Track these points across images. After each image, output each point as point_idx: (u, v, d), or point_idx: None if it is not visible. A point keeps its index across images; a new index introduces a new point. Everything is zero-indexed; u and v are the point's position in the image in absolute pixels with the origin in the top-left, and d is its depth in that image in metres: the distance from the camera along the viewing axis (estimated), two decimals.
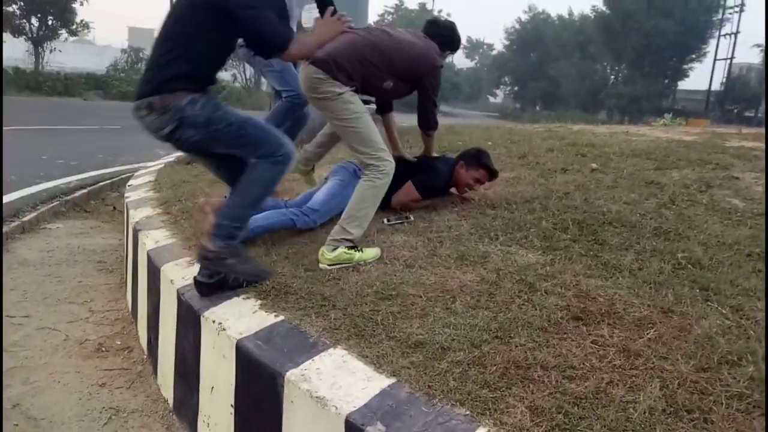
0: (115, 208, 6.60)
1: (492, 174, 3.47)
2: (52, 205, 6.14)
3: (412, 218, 3.18)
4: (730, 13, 39.48)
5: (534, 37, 42.67)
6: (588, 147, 4.88)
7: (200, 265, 2.53)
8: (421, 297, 2.35)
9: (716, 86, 41.15)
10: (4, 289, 3.96)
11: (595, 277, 2.46)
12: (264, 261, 2.81)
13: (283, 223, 3.03)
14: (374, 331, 2.11)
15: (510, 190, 3.64)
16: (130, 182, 4.99)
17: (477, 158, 3.44)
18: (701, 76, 43.60)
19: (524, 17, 48.84)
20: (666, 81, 42.36)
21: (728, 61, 39.24)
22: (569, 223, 3.02)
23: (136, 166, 9.22)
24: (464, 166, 3.42)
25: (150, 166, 6.00)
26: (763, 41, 38.54)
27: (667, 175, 3.91)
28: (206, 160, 2.75)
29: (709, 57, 40.78)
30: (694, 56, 41.23)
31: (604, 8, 41.18)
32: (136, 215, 3.82)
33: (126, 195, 4.47)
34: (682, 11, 37.64)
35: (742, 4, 38.55)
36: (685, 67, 42.00)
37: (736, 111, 40.86)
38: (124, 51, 35.42)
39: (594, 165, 4.10)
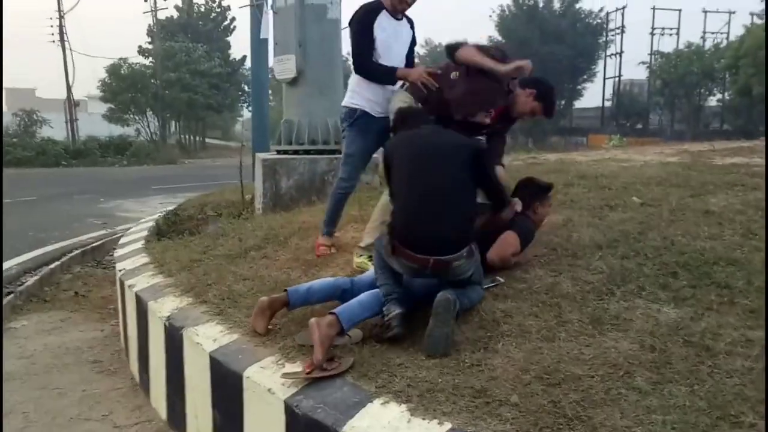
0: (77, 293, 5.91)
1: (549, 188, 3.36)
2: (7, 299, 5.37)
3: (502, 279, 2.90)
4: (613, 35, 42.40)
5: None
6: (603, 178, 4.79)
7: None
8: (592, 377, 2.06)
9: (605, 103, 43.94)
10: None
11: (757, 329, 2.28)
12: (367, 349, 2.44)
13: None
14: (574, 428, 1.81)
15: (575, 235, 3.43)
16: (120, 266, 4.39)
17: (543, 189, 3.27)
18: (591, 94, 46.37)
19: (422, 51, 50.28)
20: (563, 102, 44.63)
21: (617, 79, 42.03)
22: (675, 267, 2.84)
23: (76, 240, 8.44)
24: (539, 205, 3.21)
25: (127, 243, 5.37)
26: (646, 59, 41.57)
27: (710, 203, 3.85)
28: None
29: (600, 76, 43.55)
30: (585, 76, 43.80)
31: (499, 37, 43.05)
32: (161, 308, 3.30)
33: (128, 283, 3.91)
34: (571, 36, 40.00)
35: (623, 26, 41.52)
36: (579, 87, 44.53)
37: (628, 124, 43.55)
38: (15, 115, 33.28)
39: (636, 199, 4.00)
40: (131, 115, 37.98)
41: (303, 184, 5.57)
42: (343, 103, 3.64)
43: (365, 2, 3.55)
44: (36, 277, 6.20)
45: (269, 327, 2.76)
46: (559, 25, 40.18)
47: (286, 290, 2.80)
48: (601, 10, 42.56)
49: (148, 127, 38.40)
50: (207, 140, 48.06)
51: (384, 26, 3.50)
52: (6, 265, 6.62)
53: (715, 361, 2.08)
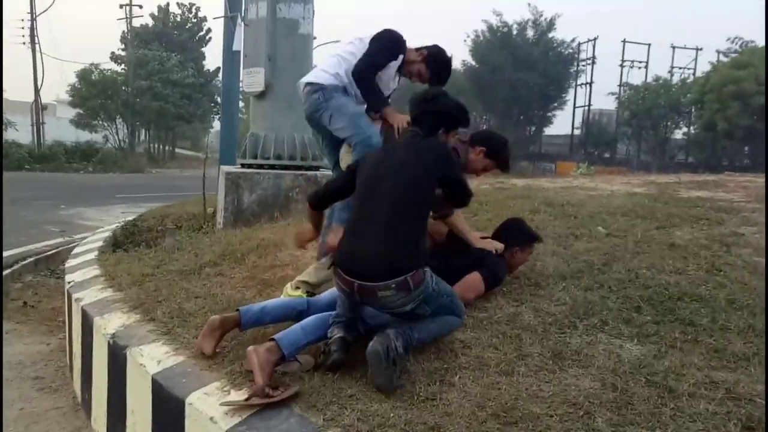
0: (25, 303, 5.65)
1: (538, 240, 3.26)
2: None
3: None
4: (584, 65, 43.21)
5: (405, 90, 43.92)
6: (569, 206, 4.76)
7: None
8: (551, 416, 1.97)
9: (574, 131, 44.67)
10: None
11: (721, 370, 2.22)
12: (318, 378, 2.31)
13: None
14: None
15: (539, 264, 3.38)
16: (70, 278, 4.19)
17: (530, 237, 3.18)
18: (560, 122, 47.15)
19: None
20: (533, 128, 45.24)
21: (587, 108, 42.80)
22: (638, 301, 2.79)
23: (31, 248, 8.11)
24: (519, 250, 3.12)
25: (80, 254, 5.15)
26: (615, 90, 42.47)
27: (675, 236, 3.84)
28: None
29: (569, 105, 44.30)
30: (556, 104, 44.49)
31: (473, 62, 43.51)
32: (106, 324, 3.13)
33: (75, 296, 3.72)
34: (543, 64, 40.63)
35: (594, 57, 42.35)
36: (549, 114, 45.18)
37: (596, 153, 44.26)
38: None
39: (601, 229, 3.97)
40: (100, 122, 37.35)
41: (266, 199, 5.43)
42: (325, 81, 3.27)
43: (399, 33, 3.35)
44: None
45: (217, 350, 2.62)
46: (532, 53, 40.77)
47: (238, 309, 2.66)
48: (573, 40, 43.38)
49: (117, 134, 37.79)
50: (177, 150, 47.47)
51: (390, 68, 3.37)
52: None
53: (678, 404, 2.00)
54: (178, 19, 44.63)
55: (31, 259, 7.19)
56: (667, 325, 2.59)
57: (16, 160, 27.13)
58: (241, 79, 7.43)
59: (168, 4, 44.49)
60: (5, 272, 6.43)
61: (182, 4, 44.42)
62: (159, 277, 3.79)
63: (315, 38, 6.13)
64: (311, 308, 2.70)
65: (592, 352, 2.38)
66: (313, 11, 5.89)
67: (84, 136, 35.95)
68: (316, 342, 2.47)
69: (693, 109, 39.77)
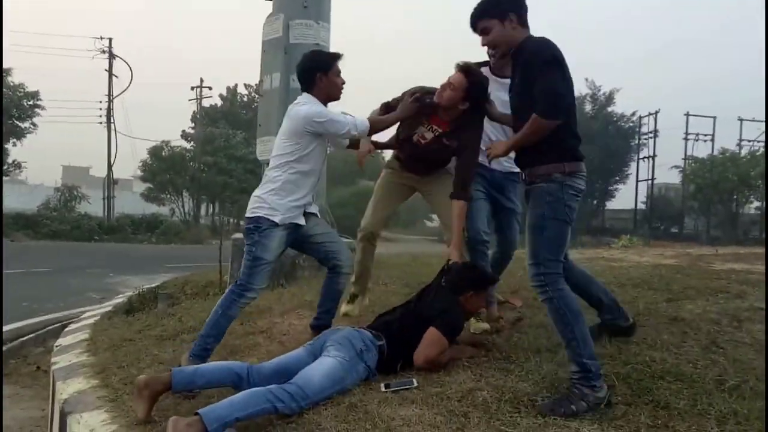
0: (38, 367, 5.68)
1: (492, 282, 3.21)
2: None
3: (416, 382, 2.58)
4: (645, 139, 42.35)
5: None
6: None
7: None
8: None
9: (639, 205, 43.36)
10: None
11: None
12: None
13: (264, 410, 2.34)
14: None
15: (521, 337, 3.12)
16: (59, 342, 4.19)
17: (484, 281, 3.08)
18: (624, 197, 45.90)
19: None
20: (595, 202, 44.18)
21: (650, 181, 41.66)
22: (614, 379, 2.49)
23: (65, 314, 8.28)
24: (474, 294, 2.95)
25: (82, 319, 5.19)
26: (680, 163, 41.35)
27: (684, 309, 3.50)
28: None
29: (632, 179, 43.27)
30: (617, 178, 43.54)
31: None
32: (64, 389, 3.05)
33: (53, 360, 3.69)
34: (603, 138, 40.06)
35: (656, 131, 41.51)
36: (611, 188, 44.15)
37: (662, 228, 42.68)
38: (57, 189, 34.53)
39: None
40: (168, 195, 39.05)
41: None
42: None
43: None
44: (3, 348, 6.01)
45: (153, 414, 2.48)
46: (590, 127, 40.31)
47: (170, 370, 2.54)
48: (633, 114, 42.74)
49: (182, 207, 39.30)
50: (241, 223, 48.84)
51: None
52: None
53: None
54: (245, 99, 46.91)
55: (58, 325, 7.30)
56: (638, 408, 2.28)
57: (86, 231, 28.60)
58: None
59: (236, 86, 46.99)
60: (27, 337, 6.56)
61: (249, 85, 46.75)
62: (136, 342, 3.72)
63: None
64: (252, 375, 2.55)
65: None
66: None
67: (153, 209, 37.61)
68: (246, 419, 2.30)
69: (761, 183, 38.00)
